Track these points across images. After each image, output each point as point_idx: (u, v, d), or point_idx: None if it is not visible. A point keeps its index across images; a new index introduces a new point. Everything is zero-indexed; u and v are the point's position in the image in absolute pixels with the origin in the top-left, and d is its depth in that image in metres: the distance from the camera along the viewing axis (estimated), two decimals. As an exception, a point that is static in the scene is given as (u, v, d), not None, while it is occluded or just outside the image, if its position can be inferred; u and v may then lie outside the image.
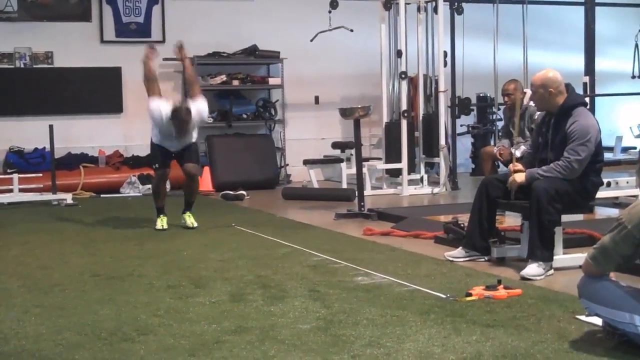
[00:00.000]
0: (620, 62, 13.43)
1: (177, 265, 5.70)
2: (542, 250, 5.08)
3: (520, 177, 5.28)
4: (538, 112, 7.16)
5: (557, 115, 5.28)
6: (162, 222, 7.44)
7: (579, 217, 6.52)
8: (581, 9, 8.57)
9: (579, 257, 5.31)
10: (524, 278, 4.99)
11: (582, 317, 3.96)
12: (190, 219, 7.54)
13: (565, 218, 5.35)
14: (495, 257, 5.54)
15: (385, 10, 10.36)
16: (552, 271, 5.12)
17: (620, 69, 13.37)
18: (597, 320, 3.75)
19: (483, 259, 5.53)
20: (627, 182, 8.74)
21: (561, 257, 5.28)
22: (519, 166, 5.43)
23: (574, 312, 4.11)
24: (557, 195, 5.09)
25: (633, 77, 13.14)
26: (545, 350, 3.55)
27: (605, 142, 11.19)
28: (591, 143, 5.16)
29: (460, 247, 5.65)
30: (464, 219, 5.95)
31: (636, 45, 13.17)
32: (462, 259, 5.56)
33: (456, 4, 10.63)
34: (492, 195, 5.46)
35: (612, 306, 3.52)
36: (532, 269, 5.05)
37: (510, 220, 6.61)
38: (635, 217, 3.44)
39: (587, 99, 7.93)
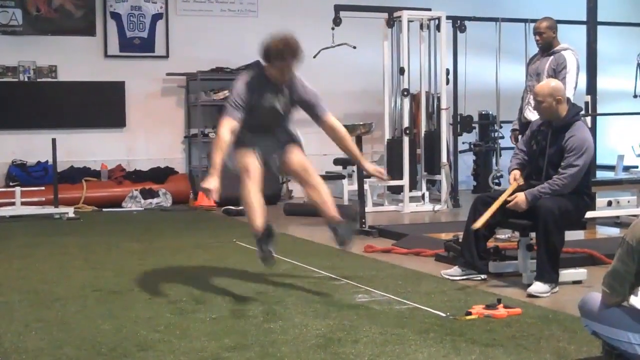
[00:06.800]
0: (622, 80, 13.46)
1: (178, 280, 5.70)
2: (550, 273, 5.14)
3: (522, 202, 5.25)
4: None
5: (557, 127, 5.33)
6: None
7: (580, 236, 6.55)
8: (583, 28, 8.58)
9: (579, 275, 5.42)
10: (531, 295, 5.04)
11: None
12: None
13: (566, 237, 5.36)
14: (492, 273, 5.58)
15: (388, 28, 10.41)
16: (557, 288, 5.19)
17: (622, 87, 13.40)
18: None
19: (479, 278, 5.53)
20: (629, 202, 8.76)
21: (561, 276, 5.29)
22: (521, 180, 5.45)
23: (573, 331, 4.12)
24: (560, 215, 5.12)
25: (635, 96, 13.17)
26: (544, 370, 3.56)
27: (607, 161, 11.29)
28: (587, 155, 5.21)
29: (457, 266, 5.66)
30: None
31: (638, 65, 13.22)
32: (459, 277, 5.56)
33: (459, 21, 10.68)
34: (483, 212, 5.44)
35: (611, 325, 3.52)
36: (539, 286, 5.11)
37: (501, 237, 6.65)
38: (638, 233, 3.44)
39: (588, 118, 7.94)
